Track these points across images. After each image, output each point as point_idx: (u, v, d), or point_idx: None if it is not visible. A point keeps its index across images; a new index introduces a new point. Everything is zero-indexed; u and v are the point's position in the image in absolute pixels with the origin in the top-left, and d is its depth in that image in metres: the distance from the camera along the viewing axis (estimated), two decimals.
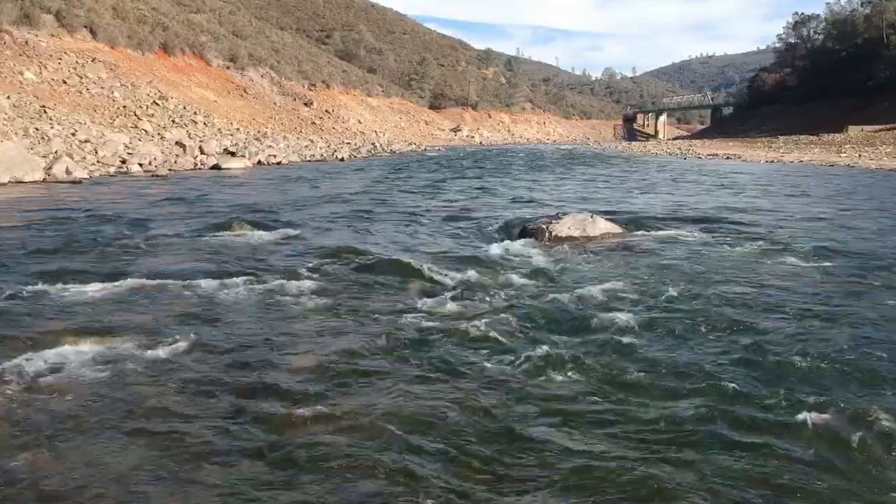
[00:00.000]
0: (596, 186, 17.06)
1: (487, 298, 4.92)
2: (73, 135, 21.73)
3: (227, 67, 59.19)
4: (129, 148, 21.82)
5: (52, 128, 21.75)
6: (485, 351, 3.85)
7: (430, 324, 4.30)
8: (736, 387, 3.30)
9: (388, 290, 5.26)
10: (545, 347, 3.83)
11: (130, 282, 5.13)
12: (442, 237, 8.02)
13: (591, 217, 7.93)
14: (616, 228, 7.99)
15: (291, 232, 7.95)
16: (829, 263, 6.35)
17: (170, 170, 20.14)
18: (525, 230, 7.88)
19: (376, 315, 4.52)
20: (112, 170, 18.48)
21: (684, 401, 3.18)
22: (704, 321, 4.39)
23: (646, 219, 9.27)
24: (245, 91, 58.36)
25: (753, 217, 10.02)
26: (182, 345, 3.82)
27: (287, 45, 78.39)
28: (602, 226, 7.83)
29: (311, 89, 68.81)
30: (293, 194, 13.47)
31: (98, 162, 19.03)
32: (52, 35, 41.03)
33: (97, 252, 6.49)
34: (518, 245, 7.23)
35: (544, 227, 7.69)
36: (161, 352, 3.71)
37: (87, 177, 16.29)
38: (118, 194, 12.64)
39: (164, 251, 6.64)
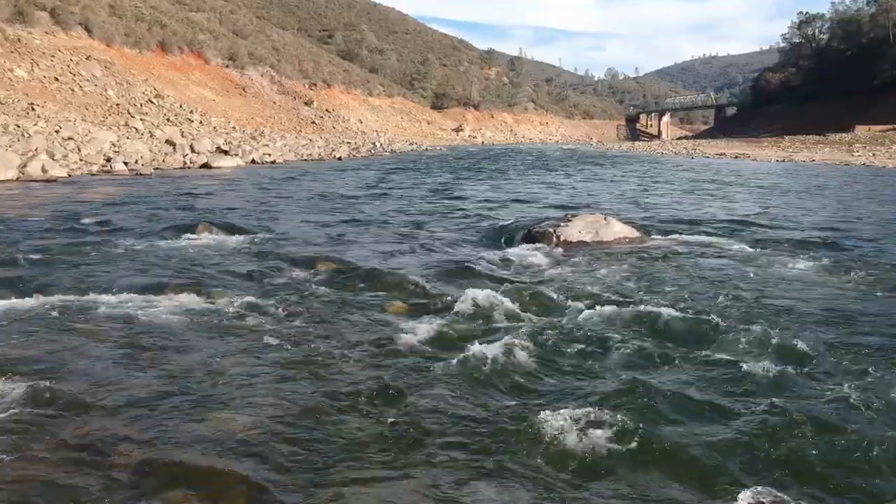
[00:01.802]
0: (605, 186, 16.08)
1: (482, 322, 4.00)
2: (57, 132, 20.85)
3: (227, 66, 58.53)
4: (115, 146, 20.93)
5: (35, 125, 20.87)
6: (479, 400, 2.93)
7: (412, 360, 3.36)
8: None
9: (365, 310, 4.33)
10: (550, 394, 2.91)
11: (44, 300, 4.19)
12: (436, 243, 7.04)
13: (605, 219, 6.98)
14: (633, 232, 7.04)
15: (264, 236, 7.00)
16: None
17: (157, 168, 19.28)
18: (530, 234, 6.92)
19: (345, 348, 3.58)
20: (95, 168, 17.59)
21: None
22: (748, 357, 3.46)
23: (664, 222, 8.32)
24: (244, 90, 57.72)
25: (787, 221, 8.97)
26: (71, 390, 2.89)
27: (288, 44, 77.64)
28: (617, 229, 6.88)
29: (311, 88, 68.14)
30: (278, 194, 12.50)
31: (81, 160, 18.14)
32: (47, 32, 40.37)
33: (23, 261, 5.51)
34: (522, 252, 6.27)
35: (552, 230, 6.74)
36: (32, 403, 2.76)
37: (66, 175, 15.41)
38: (89, 194, 11.71)
39: (106, 259, 5.68)
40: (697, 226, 8.14)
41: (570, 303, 4.42)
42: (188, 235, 6.83)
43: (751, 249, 6.59)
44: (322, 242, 6.92)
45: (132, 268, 5.38)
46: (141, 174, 17.18)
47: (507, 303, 4.24)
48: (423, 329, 3.81)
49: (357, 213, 9.79)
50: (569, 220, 6.93)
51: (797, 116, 65.64)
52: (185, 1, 67.53)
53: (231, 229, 7.31)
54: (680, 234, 7.38)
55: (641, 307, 4.16)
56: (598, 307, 4.15)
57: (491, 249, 6.54)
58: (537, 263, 5.77)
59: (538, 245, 6.55)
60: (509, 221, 8.23)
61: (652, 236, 7.14)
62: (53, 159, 17.28)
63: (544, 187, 15.86)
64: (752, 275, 5.42)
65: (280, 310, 4.19)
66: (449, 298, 4.45)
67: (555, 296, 4.57)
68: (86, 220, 8.09)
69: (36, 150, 17.38)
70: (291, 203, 10.98)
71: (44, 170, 14.93)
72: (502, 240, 7.13)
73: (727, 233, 7.72)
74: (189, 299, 4.29)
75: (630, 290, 4.80)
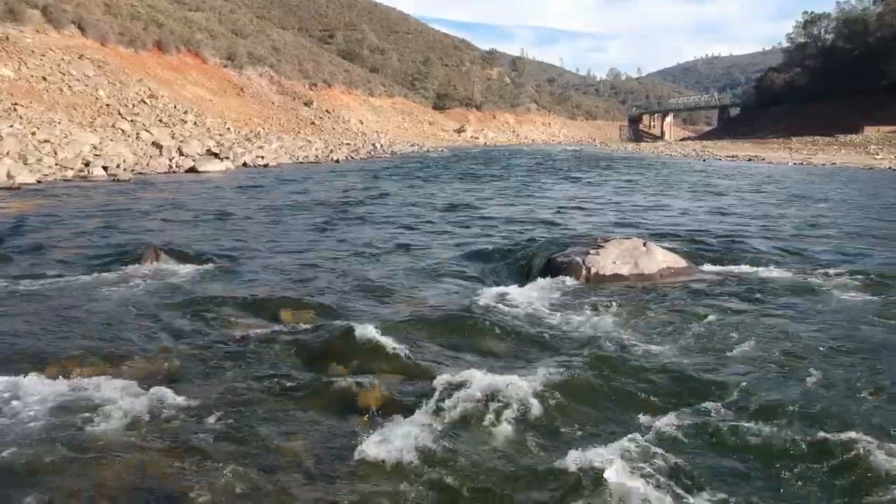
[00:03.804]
0: (623, 196, 14.61)
1: (490, 436, 2.69)
2: (33, 134, 19.60)
3: (225, 66, 57.67)
4: (96, 149, 19.69)
5: (10, 126, 19.63)
6: None
7: None
8: None
9: (329, 402, 3.02)
10: None
11: None
12: (434, 277, 5.67)
13: (644, 245, 5.67)
14: (679, 261, 5.72)
15: (222, 266, 5.67)
16: None
17: (139, 173, 18.07)
18: (552, 265, 5.59)
19: (280, 493, 2.29)
20: (70, 173, 16.35)
21: None
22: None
23: (712, 244, 6.90)
24: (242, 90, 56.87)
25: (866, 246, 7.37)
26: None
27: (288, 44, 76.60)
28: (659, 258, 5.57)
29: (311, 89, 67.19)
30: (258, 205, 11.06)
31: (57, 164, 16.90)
32: (38, 31, 39.44)
33: None
34: (543, 291, 4.90)
35: (580, 260, 5.42)
36: None
37: (34, 182, 14.16)
38: (43, 204, 10.34)
39: None
40: (751, 250, 6.67)
41: (628, 396, 3.02)
42: (127, 266, 5.50)
43: (840, 288, 5.06)
44: (291, 277, 5.57)
45: (14, 322, 4.02)
46: (118, 180, 15.91)
47: (528, 395, 2.86)
48: (404, 457, 2.46)
49: (343, 231, 8.33)
50: (600, 247, 5.61)
51: (802, 117, 64.54)
52: (185, 0, 66.70)
53: (184, 256, 5.98)
54: (736, 263, 5.98)
55: (730, 412, 2.80)
56: (668, 408, 2.82)
57: (503, 285, 5.16)
58: (565, 311, 4.38)
59: (563, 279, 5.23)
60: (525, 245, 6.74)
61: (702, 266, 5.80)
62: (26, 164, 16.11)
63: (558, 196, 14.42)
64: (868, 334, 4.00)
65: (201, 394, 2.88)
66: (445, 381, 3.11)
67: (602, 379, 3.15)
68: (24, 241, 6.72)
69: (7, 153, 16.19)
70: (270, 217, 9.59)
71: (9, 175, 13.69)
72: (518, 271, 5.75)
73: (793, 261, 6.25)
74: (70, 387, 2.95)
75: (701, 363, 3.45)
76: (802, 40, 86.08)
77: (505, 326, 4.03)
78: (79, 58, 39.30)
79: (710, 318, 4.28)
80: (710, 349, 3.74)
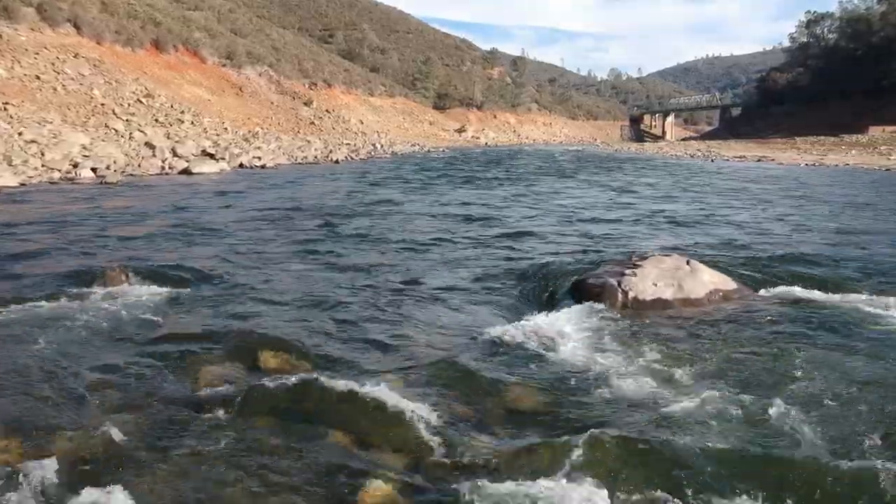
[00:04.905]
0: (642, 202, 13.72)
1: None
2: (20, 134, 18.86)
3: (224, 65, 57.18)
4: (86, 149, 18.95)
5: None
6: None
7: None
8: None
9: (310, 497, 2.27)
10: None
11: None
12: (441, 308, 4.83)
13: (688, 263, 4.90)
14: (727, 282, 4.94)
15: (194, 291, 4.86)
16: None
17: (130, 175, 17.34)
18: (582, 288, 4.82)
19: None
20: (57, 176, 15.61)
21: None
22: None
23: (762, 262, 6.02)
24: (241, 90, 56.40)
25: None
26: None
27: (288, 43, 76.05)
28: (706, 279, 4.80)
29: (311, 88, 66.71)
30: (245, 213, 10.10)
31: (43, 166, 16.17)
32: (33, 29, 38.94)
33: None
34: (573, 322, 4.09)
35: (614, 282, 4.66)
36: None
37: (17, 185, 13.42)
38: (14, 210, 9.55)
39: None
40: (805, 266, 5.82)
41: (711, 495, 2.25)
42: (85, 290, 4.71)
43: None
44: (276, 308, 4.71)
45: None
46: (106, 183, 15.15)
47: (564, 468, 2.11)
48: None
49: (338, 250, 7.37)
50: (636, 266, 4.84)
51: (805, 116, 64.14)
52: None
53: (155, 276, 5.18)
54: (796, 284, 5.12)
55: None
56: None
57: (526, 315, 4.30)
58: (604, 352, 3.57)
59: (596, 305, 4.46)
60: (545, 262, 5.86)
61: (756, 290, 5.01)
62: (10, 165, 15.42)
63: (574, 202, 13.43)
64: None
65: (157, 498, 2.13)
66: (466, 473, 2.34)
67: (670, 472, 2.39)
68: None
69: None
70: (259, 231, 8.66)
71: None
72: (541, 296, 4.95)
73: (873, 285, 5.21)
74: None
75: (808, 440, 2.68)
76: (805, 40, 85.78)
77: (533, 376, 3.25)
78: (74, 56, 38.82)
79: (796, 361, 3.38)
80: (815, 415, 2.91)
